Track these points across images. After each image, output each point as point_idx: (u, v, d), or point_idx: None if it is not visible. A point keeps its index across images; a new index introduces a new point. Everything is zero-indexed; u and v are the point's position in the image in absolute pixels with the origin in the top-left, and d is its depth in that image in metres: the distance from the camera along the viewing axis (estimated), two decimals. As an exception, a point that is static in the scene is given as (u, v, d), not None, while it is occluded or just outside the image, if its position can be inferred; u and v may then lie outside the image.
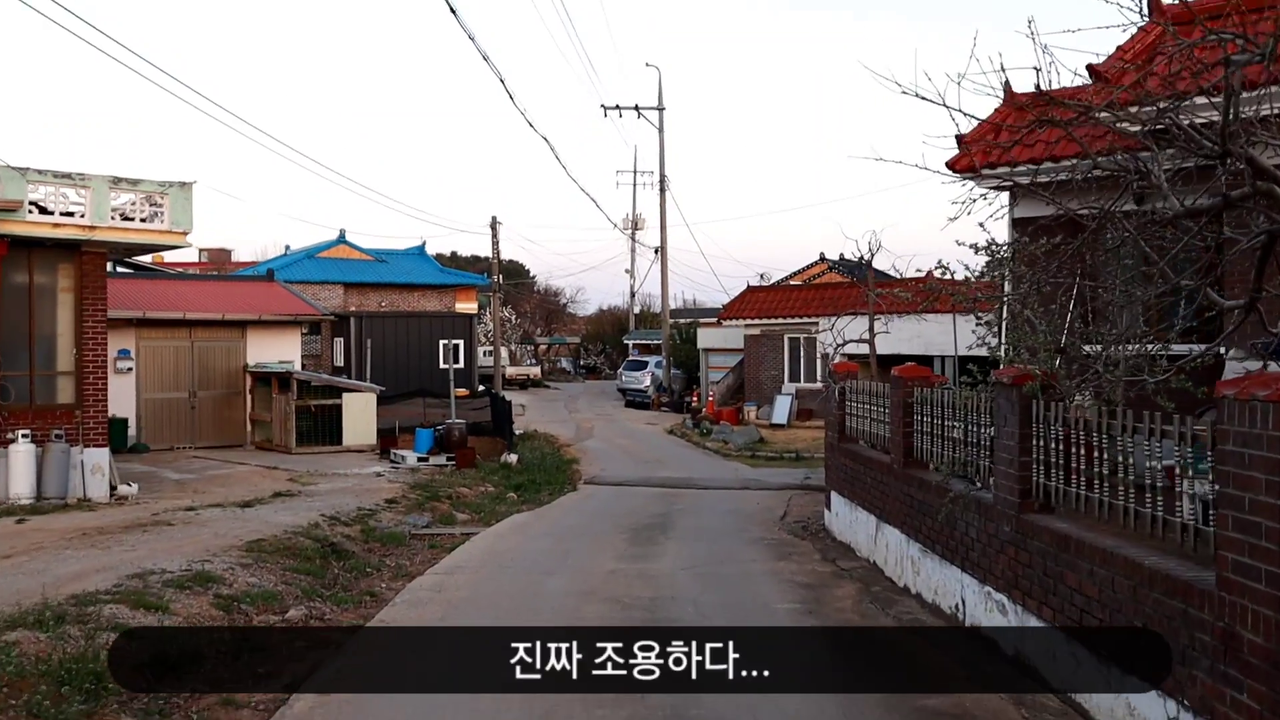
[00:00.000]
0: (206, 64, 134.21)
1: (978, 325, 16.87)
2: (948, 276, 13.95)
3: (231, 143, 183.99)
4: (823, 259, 51.45)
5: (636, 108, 43.33)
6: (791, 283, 45.22)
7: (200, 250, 59.89)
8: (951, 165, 16.17)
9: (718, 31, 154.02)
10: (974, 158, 15.96)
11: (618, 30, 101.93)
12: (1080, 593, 6.73)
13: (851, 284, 34.28)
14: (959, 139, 16.52)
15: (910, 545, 10.36)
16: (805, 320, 33.72)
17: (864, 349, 19.74)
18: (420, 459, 22.67)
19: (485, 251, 44.99)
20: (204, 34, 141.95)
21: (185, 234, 17.62)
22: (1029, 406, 7.73)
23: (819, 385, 33.54)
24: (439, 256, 57.61)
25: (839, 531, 13.51)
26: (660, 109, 43.44)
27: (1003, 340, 15.72)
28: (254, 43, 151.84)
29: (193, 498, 16.85)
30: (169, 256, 30.68)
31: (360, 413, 25.81)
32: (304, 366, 42.01)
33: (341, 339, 42.54)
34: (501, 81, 50.10)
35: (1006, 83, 17.14)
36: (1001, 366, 8.74)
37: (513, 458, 22.88)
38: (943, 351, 17.79)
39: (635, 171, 58.08)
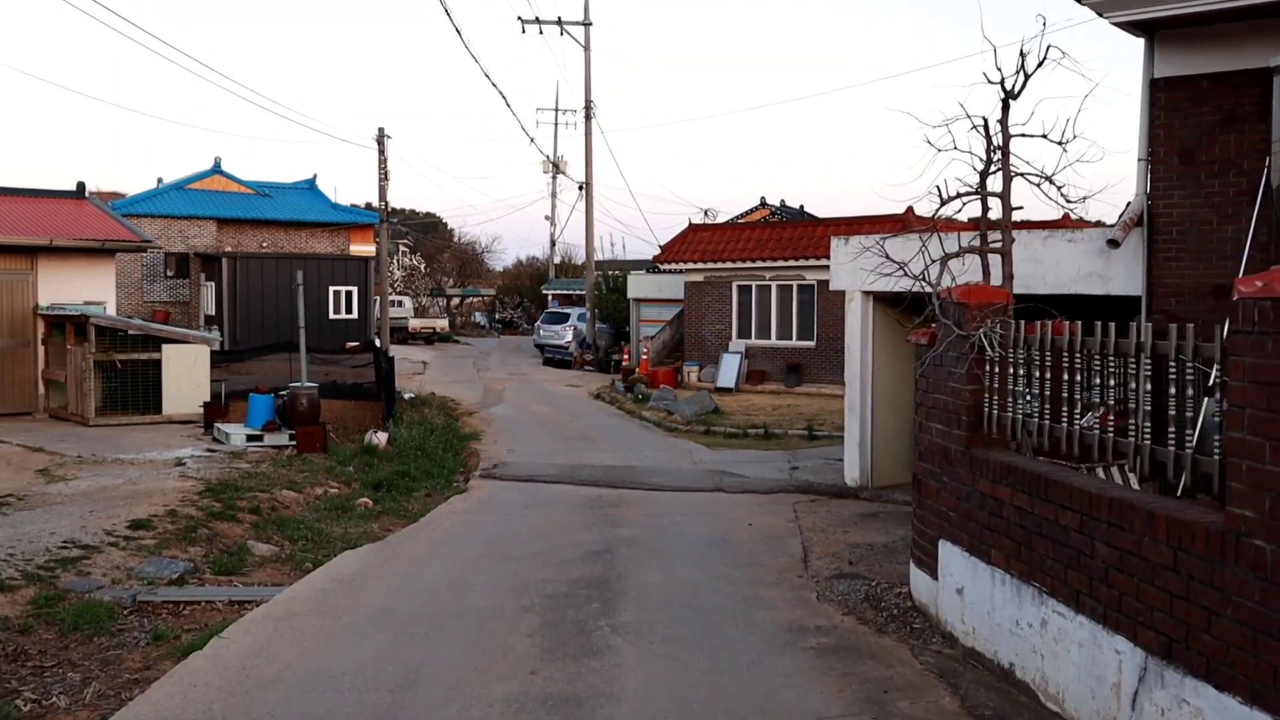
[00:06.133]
0: None
1: (1109, 242, 9.91)
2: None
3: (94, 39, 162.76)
4: (763, 204, 44.54)
5: (559, 21, 35.62)
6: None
7: (89, 194, 50.74)
8: (1073, -18, 9.30)
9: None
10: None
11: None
12: None
13: (830, 222, 27.27)
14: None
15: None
16: (760, 265, 26.63)
17: (893, 286, 12.61)
18: (251, 437, 15.21)
19: (396, 199, 36.99)
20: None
21: None
22: None
23: (775, 342, 26.59)
24: (352, 207, 49.19)
25: (970, 628, 6.36)
26: (587, 24, 35.76)
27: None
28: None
29: None
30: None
31: (188, 371, 18.28)
32: (168, 317, 33.95)
33: (213, 283, 34.52)
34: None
35: None
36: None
37: (382, 437, 15.35)
38: (1024, 288, 10.65)
39: (557, 110, 50.29)
